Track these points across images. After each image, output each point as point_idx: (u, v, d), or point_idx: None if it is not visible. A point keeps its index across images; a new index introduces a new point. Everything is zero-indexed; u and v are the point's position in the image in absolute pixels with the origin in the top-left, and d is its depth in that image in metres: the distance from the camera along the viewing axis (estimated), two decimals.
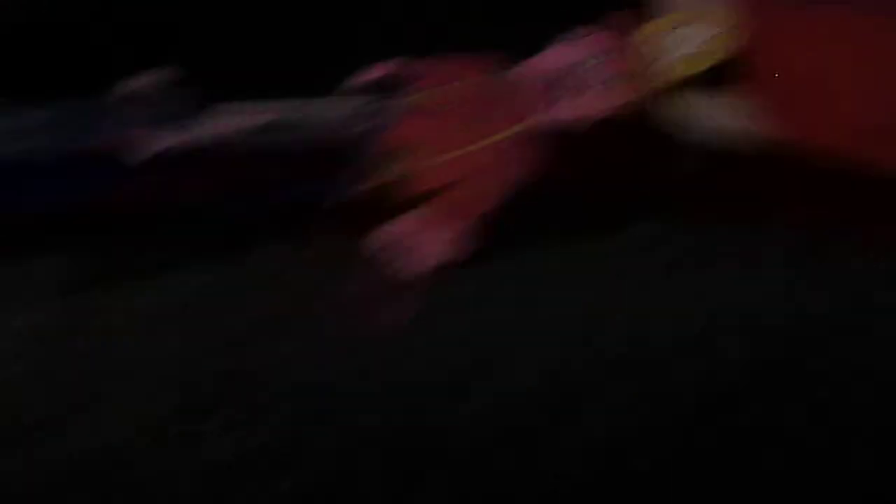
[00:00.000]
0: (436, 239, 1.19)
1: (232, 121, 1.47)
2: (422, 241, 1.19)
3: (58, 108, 1.58)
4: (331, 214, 1.35)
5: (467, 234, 1.14)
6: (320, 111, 1.55)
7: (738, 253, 2.01)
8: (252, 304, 1.59)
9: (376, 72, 1.67)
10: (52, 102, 1.64)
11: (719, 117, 1.36)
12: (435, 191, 1.26)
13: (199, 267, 1.52)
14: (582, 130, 1.35)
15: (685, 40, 1.45)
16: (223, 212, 1.42)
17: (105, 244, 1.65)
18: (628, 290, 1.89)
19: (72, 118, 1.60)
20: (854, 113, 1.32)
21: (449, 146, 1.36)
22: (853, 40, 1.44)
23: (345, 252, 1.28)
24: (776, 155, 1.31)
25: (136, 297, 1.64)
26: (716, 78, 1.42)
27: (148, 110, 1.64)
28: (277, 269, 1.58)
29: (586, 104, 1.35)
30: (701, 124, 1.39)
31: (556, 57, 1.54)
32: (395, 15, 1.82)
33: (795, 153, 1.30)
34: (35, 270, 1.74)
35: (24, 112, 1.64)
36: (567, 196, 1.57)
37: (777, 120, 1.33)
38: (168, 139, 1.29)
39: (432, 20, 1.81)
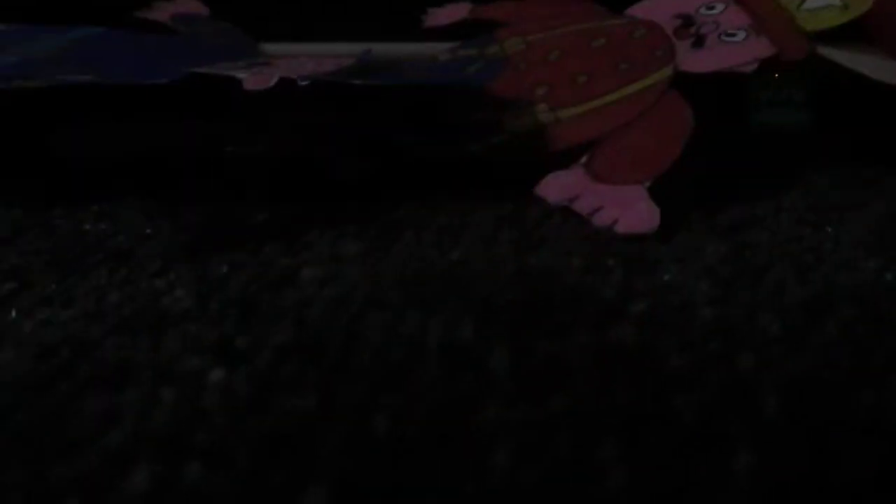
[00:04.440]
0: (618, 203, 1.09)
1: (307, 62, 1.48)
2: (607, 204, 1.09)
3: (107, 32, 1.40)
4: (460, 168, 1.30)
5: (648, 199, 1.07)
6: (406, 55, 1.49)
7: None
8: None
9: (444, 17, 1.63)
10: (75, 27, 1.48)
11: (868, 71, 1.28)
12: (580, 145, 1.16)
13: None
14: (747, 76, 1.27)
15: None
16: (341, 163, 1.36)
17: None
18: None
19: (141, 44, 1.46)
20: None
21: (581, 97, 1.25)
22: None
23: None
24: None
25: None
26: (853, 32, 1.35)
27: (209, 42, 1.58)
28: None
29: (733, 53, 1.24)
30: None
31: (669, 3, 1.45)
32: None
33: None
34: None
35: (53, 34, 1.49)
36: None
37: None
38: (280, 71, 1.18)
39: None
